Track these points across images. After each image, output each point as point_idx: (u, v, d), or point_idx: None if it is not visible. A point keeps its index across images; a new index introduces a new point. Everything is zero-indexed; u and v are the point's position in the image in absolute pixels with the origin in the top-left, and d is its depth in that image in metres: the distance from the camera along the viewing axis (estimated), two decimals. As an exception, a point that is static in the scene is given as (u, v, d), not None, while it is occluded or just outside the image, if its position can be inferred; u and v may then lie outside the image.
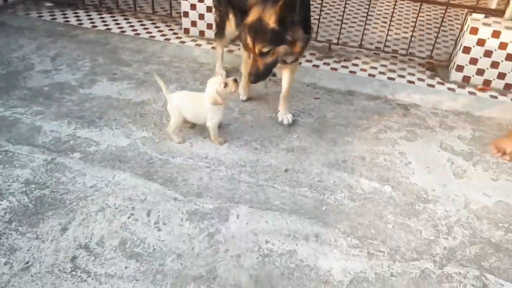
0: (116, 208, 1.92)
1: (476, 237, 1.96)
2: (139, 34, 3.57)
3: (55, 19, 3.70)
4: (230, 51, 3.36)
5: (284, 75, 2.57)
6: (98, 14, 3.85)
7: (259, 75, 2.19)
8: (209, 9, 3.40)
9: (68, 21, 3.69)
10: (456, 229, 2.00)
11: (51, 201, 1.92)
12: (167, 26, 3.73)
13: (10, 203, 1.89)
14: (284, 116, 2.62)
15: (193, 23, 3.51)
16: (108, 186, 2.03)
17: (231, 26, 2.68)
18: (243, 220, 1.93)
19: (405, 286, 1.72)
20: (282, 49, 2.15)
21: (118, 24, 3.71)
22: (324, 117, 2.73)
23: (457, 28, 4.11)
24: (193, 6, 3.42)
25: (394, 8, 3.44)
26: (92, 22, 3.69)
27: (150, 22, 3.78)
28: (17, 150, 2.19)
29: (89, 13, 3.85)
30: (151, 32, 3.60)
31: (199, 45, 3.45)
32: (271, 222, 1.93)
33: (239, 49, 3.41)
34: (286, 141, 2.48)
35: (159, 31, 3.64)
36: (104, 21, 3.73)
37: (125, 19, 3.81)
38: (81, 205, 1.91)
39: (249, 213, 1.97)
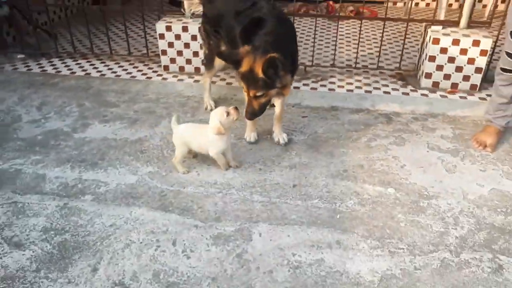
0: (141, 242, 1.92)
1: (480, 224, 2.11)
2: (119, 75, 3.61)
3: (31, 69, 3.68)
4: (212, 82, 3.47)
5: (277, 100, 2.70)
6: (74, 61, 3.86)
7: (255, 113, 2.41)
8: (186, 45, 3.51)
9: (45, 70, 3.68)
10: (461, 219, 2.14)
11: (74, 244, 1.90)
12: (145, 65, 3.80)
13: (33, 252, 1.85)
14: (280, 136, 2.73)
15: (172, 60, 3.61)
16: (127, 223, 2.03)
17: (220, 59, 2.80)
18: (266, 237, 1.99)
19: (429, 277, 1.83)
20: (273, 91, 2.35)
21: (96, 68, 3.74)
22: (315, 133, 2.86)
23: (415, 40, 4.44)
24: (170, 44, 3.53)
25: (360, 28, 3.70)
26: (70, 69, 3.71)
27: (128, 63, 3.84)
28: (27, 200, 2.16)
29: (64, 61, 3.86)
30: (131, 73, 3.66)
31: (181, 80, 3.54)
32: (293, 236, 2.00)
33: (221, 79, 3.54)
34: (287, 159, 2.58)
35: (139, 70, 3.70)
36: (81, 67, 3.75)
37: (102, 62, 3.85)
38: (105, 244, 1.90)
39: (270, 230, 2.03)
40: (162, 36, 3.48)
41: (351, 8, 5.24)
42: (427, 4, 5.66)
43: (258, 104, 2.35)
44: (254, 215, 2.12)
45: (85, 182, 2.31)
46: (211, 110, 3.07)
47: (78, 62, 3.85)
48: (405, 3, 5.53)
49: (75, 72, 3.65)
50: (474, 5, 3.35)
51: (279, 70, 2.22)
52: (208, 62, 2.96)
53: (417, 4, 5.67)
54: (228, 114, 2.27)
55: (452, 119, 3.05)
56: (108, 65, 3.80)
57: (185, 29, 3.43)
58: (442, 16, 3.78)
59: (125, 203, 2.16)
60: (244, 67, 2.24)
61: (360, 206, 2.21)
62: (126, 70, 3.71)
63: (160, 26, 3.45)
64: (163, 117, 2.98)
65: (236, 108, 2.31)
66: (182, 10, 3.51)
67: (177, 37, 3.47)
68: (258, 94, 2.30)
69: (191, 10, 3.42)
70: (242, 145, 2.71)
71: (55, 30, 4.07)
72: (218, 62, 2.88)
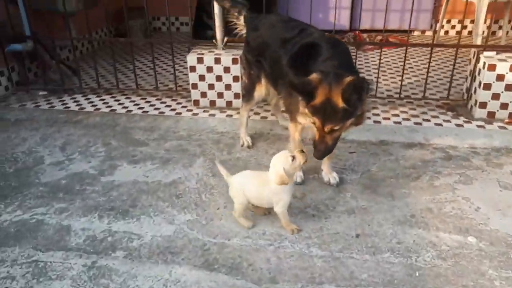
0: (186, 312, 1.59)
1: None
2: (147, 111, 3.38)
3: (54, 106, 3.47)
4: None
5: None
6: (98, 97, 3.65)
7: (328, 151, 2.06)
8: (218, 78, 3.28)
9: (68, 107, 3.47)
10: None
11: (106, 316, 1.57)
12: (174, 100, 3.57)
13: (57, 328, 1.53)
14: (330, 175, 2.42)
15: (203, 94, 3.37)
16: (167, 286, 1.70)
17: (261, 90, 2.57)
18: (336, 303, 1.64)
19: None
20: (349, 122, 2.01)
21: (121, 104, 3.52)
22: (369, 171, 2.54)
23: (456, 67, 4.16)
24: (201, 77, 3.30)
25: (405, 55, 3.43)
26: (94, 105, 3.49)
27: (155, 98, 3.62)
28: (49, 258, 1.86)
29: (88, 97, 3.65)
30: (158, 108, 3.42)
31: (213, 114, 3.29)
32: (368, 301, 1.65)
33: (255, 113, 3.28)
34: (342, 202, 2.26)
35: (167, 106, 3.47)
36: (106, 103, 3.53)
37: (127, 98, 3.64)
38: (143, 316, 1.57)
39: (339, 294, 1.68)
40: (193, 68, 3.26)
41: (379, 37, 5.04)
42: (457, 32, 5.42)
43: (332, 139, 2.00)
44: (316, 274, 1.78)
45: (116, 235, 2.00)
46: (248, 147, 2.81)
47: (102, 98, 3.64)
48: (434, 31, 5.31)
49: (99, 109, 3.43)
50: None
51: (364, 94, 1.91)
52: (247, 93, 2.71)
53: (470, 32, 5.40)
54: (293, 158, 1.93)
55: (518, 153, 2.72)
56: (134, 101, 3.57)
57: (217, 60, 3.20)
58: (478, 41, 3.54)
59: (163, 260, 1.84)
60: (319, 98, 1.90)
61: (440, 260, 1.86)
62: (153, 105, 3.48)
63: (192, 58, 3.23)
64: (197, 155, 2.71)
65: (302, 151, 1.97)
66: (214, 41, 3.30)
67: (209, 69, 3.24)
68: (336, 127, 1.96)
69: (223, 40, 3.21)
70: (288, 186, 2.39)
71: (76, 65, 3.89)
72: (258, 93, 2.63)
